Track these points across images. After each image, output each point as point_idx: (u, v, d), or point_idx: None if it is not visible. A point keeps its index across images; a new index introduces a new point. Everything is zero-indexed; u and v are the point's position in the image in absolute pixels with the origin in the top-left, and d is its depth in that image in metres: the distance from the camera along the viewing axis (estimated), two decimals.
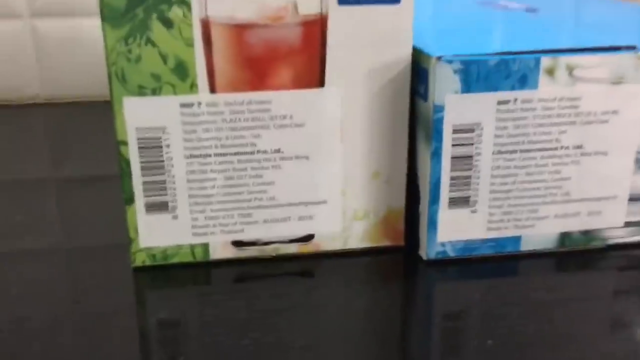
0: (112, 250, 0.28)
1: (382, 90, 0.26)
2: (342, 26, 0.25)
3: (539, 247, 0.28)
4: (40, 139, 0.44)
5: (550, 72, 0.25)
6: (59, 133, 0.45)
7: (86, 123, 0.46)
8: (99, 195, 0.34)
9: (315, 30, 0.25)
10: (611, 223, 0.28)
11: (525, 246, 0.28)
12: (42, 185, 0.36)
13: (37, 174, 0.38)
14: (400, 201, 0.28)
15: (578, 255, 0.28)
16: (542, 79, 0.25)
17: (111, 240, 0.29)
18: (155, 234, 0.26)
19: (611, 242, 0.28)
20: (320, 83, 0.25)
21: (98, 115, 0.48)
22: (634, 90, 0.26)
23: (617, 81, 0.25)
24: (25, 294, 0.25)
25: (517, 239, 0.27)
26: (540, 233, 0.27)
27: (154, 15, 0.23)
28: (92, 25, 0.48)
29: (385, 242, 0.28)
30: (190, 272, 0.27)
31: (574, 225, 0.28)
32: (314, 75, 0.25)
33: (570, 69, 0.25)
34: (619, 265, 0.27)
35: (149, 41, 0.24)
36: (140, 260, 0.27)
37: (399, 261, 0.28)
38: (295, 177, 0.26)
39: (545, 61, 0.25)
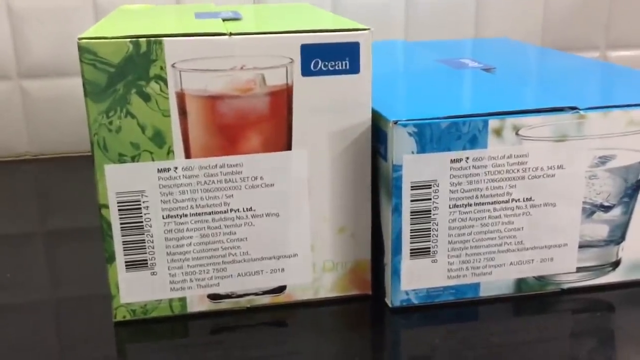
0: (95, 304, 0.30)
1: (345, 151, 0.28)
2: (306, 95, 0.27)
3: (497, 293, 0.30)
4: (29, 193, 0.46)
5: (498, 132, 0.27)
6: (47, 187, 0.47)
7: (73, 177, 0.48)
8: (83, 249, 0.36)
9: (282, 99, 0.27)
10: (563, 269, 0.30)
11: (484, 292, 0.29)
12: (28, 240, 0.37)
13: (23, 228, 0.39)
14: (366, 253, 0.30)
15: (534, 299, 0.30)
16: (491, 139, 0.27)
17: (94, 294, 0.31)
18: (135, 290, 0.28)
19: (565, 286, 0.30)
20: (288, 146, 0.27)
21: (85, 169, 0.49)
22: (577, 147, 0.28)
23: (561, 139, 0.28)
24: (7, 348, 0.27)
25: (476, 286, 0.29)
26: (497, 279, 0.29)
27: (133, 90, 0.26)
28: (78, 85, 0.51)
29: (353, 292, 0.30)
30: (169, 325, 0.28)
31: (529, 272, 0.29)
32: (281, 139, 0.27)
33: (516, 129, 0.27)
34: (573, 309, 0.29)
35: (129, 113, 0.26)
36: (121, 315, 0.28)
37: (366, 309, 0.30)
38: (267, 233, 0.28)
39: (493, 123, 0.27)
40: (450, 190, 0.28)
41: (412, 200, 0.27)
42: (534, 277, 0.30)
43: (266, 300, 0.29)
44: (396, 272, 0.28)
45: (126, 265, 0.28)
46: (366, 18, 0.53)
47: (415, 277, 0.29)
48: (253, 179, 0.27)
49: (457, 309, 0.29)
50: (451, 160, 0.27)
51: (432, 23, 0.55)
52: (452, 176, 0.27)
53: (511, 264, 0.29)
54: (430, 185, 0.27)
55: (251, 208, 0.28)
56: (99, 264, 0.33)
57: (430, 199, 0.28)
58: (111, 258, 0.27)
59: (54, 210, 0.42)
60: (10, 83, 0.50)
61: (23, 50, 0.50)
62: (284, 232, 0.28)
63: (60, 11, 0.49)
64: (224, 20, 0.30)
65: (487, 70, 0.36)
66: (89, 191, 0.44)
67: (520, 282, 0.30)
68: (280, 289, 0.29)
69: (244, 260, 0.28)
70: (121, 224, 0.27)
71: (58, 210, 0.42)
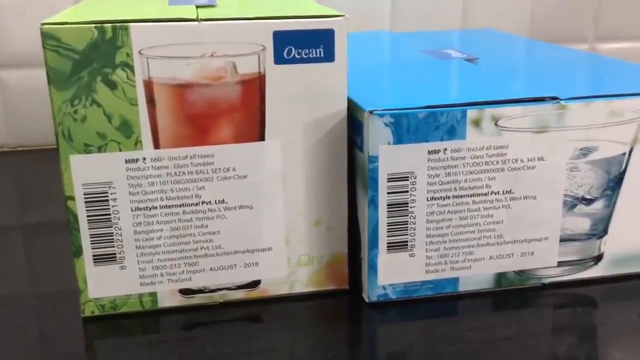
0: (64, 299, 0.29)
1: (320, 142, 0.27)
2: (279, 83, 0.26)
3: (476, 288, 0.29)
4: (8, 185, 0.45)
5: (477, 123, 0.26)
6: (24, 180, 0.46)
7: (51, 170, 0.47)
8: (59, 243, 0.35)
9: (254, 88, 0.26)
10: (544, 263, 0.29)
11: (463, 287, 0.29)
12: (3, 233, 0.37)
13: (1, 221, 0.38)
14: (342, 247, 0.29)
15: (514, 294, 0.29)
16: (470, 129, 0.26)
17: (65, 289, 0.30)
18: (103, 284, 0.27)
19: (546, 281, 0.30)
20: (261, 137, 0.27)
21: None
22: (558, 138, 0.27)
23: (541, 130, 0.27)
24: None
25: (454, 280, 0.29)
26: (476, 274, 0.29)
27: (99, 78, 0.25)
28: None
29: (329, 286, 0.29)
30: (139, 321, 0.28)
31: (509, 266, 0.29)
32: (254, 129, 0.27)
33: (495, 120, 0.27)
34: (554, 303, 0.29)
35: (94, 102, 0.25)
36: (89, 310, 0.27)
37: (343, 304, 0.29)
38: (240, 226, 0.27)
39: (472, 113, 0.26)
40: (427, 182, 0.27)
41: (388, 193, 0.27)
42: (514, 271, 0.29)
43: (240, 295, 0.29)
44: (373, 267, 0.28)
45: (94, 259, 0.27)
46: (352, 8, 0.52)
47: (393, 272, 0.28)
48: (225, 170, 0.27)
49: (436, 304, 0.29)
50: (429, 151, 0.26)
51: (419, 14, 0.54)
52: (429, 168, 0.27)
53: (491, 258, 0.28)
54: (407, 177, 0.27)
55: (223, 200, 0.27)
56: (66, 258, 0.33)
57: (407, 191, 0.27)
58: (78, 252, 0.27)
59: (31, 203, 0.41)
60: None
61: (2, 39, 0.49)
62: (257, 225, 0.28)
63: (41, 0, 0.48)
64: (197, 7, 0.29)
65: (470, 60, 0.35)
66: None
67: (500, 277, 0.29)
68: (255, 284, 0.29)
69: (217, 254, 0.28)
70: (88, 216, 0.26)
71: (35, 203, 0.41)
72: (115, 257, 0.27)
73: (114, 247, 0.27)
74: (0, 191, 0.43)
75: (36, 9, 0.48)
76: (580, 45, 0.58)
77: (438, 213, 0.27)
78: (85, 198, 0.26)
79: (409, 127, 0.26)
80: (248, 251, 0.28)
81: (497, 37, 0.45)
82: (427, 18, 0.54)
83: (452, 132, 0.26)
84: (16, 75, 0.50)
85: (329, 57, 0.26)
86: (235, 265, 0.28)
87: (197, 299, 0.28)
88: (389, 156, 0.26)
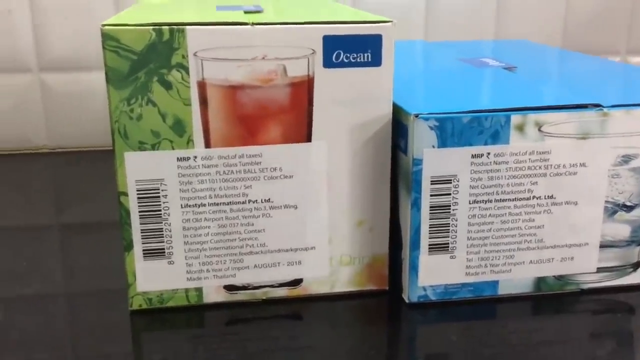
0: (110, 295, 0.30)
1: (365, 144, 0.28)
2: (327, 86, 0.27)
3: (516, 291, 0.29)
4: (46, 186, 0.46)
5: (520, 128, 0.27)
6: (63, 181, 0.47)
7: (89, 171, 0.48)
8: (99, 242, 0.36)
9: (303, 90, 0.27)
10: (584, 269, 0.29)
11: (503, 290, 0.29)
12: (46, 232, 0.38)
13: (39, 220, 0.39)
14: (383, 248, 0.29)
15: (553, 299, 0.29)
16: (513, 134, 0.27)
17: (110, 286, 0.31)
18: (151, 279, 0.28)
19: (585, 286, 0.30)
20: (308, 138, 0.27)
21: (101, 163, 0.50)
22: (599, 145, 0.28)
23: (584, 136, 0.27)
24: (23, 338, 0.27)
25: (494, 284, 0.29)
26: (516, 278, 0.29)
27: (155, 78, 0.26)
28: (98, 79, 0.51)
29: (370, 286, 0.30)
30: (185, 315, 0.28)
31: (549, 271, 0.29)
32: (301, 131, 0.27)
33: (539, 125, 0.27)
34: (592, 309, 0.29)
35: (150, 101, 0.26)
36: (137, 303, 0.28)
37: (383, 304, 0.30)
38: (285, 225, 0.28)
39: (516, 118, 0.27)
40: (470, 185, 0.27)
41: (431, 195, 0.27)
42: (553, 276, 0.29)
43: (282, 292, 0.29)
44: (414, 268, 0.28)
45: (144, 254, 0.27)
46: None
47: (433, 273, 0.28)
48: (272, 169, 0.27)
49: (475, 307, 0.29)
50: (472, 155, 0.27)
51: (452, 24, 0.55)
52: (472, 171, 0.27)
53: (531, 262, 0.29)
54: (450, 180, 0.27)
55: (269, 199, 0.28)
56: (114, 256, 0.33)
57: (450, 194, 0.27)
58: (129, 246, 0.27)
59: (71, 203, 0.42)
60: (30, 76, 0.50)
61: (44, 43, 0.50)
62: (301, 225, 0.28)
63: (82, 4, 0.50)
64: (245, 12, 0.30)
65: (508, 69, 0.36)
66: (105, 185, 0.44)
67: (539, 281, 0.29)
68: (297, 282, 0.29)
69: (261, 252, 0.28)
70: (140, 212, 0.27)
71: (74, 203, 0.42)
72: (164, 252, 0.28)
73: (163, 242, 0.27)
74: (39, 192, 0.45)
75: (78, 13, 0.50)
76: (613, 58, 0.59)
77: (480, 216, 0.28)
78: (137, 194, 0.27)
79: (453, 131, 0.27)
80: (291, 250, 0.29)
81: (532, 48, 0.45)
82: (461, 29, 0.55)
83: (496, 136, 0.27)
84: (57, 78, 0.51)
85: (376, 61, 0.27)
86: (278, 263, 0.29)
87: (240, 296, 0.29)
88: (432, 159, 0.27)
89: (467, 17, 0.55)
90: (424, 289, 0.29)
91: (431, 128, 0.26)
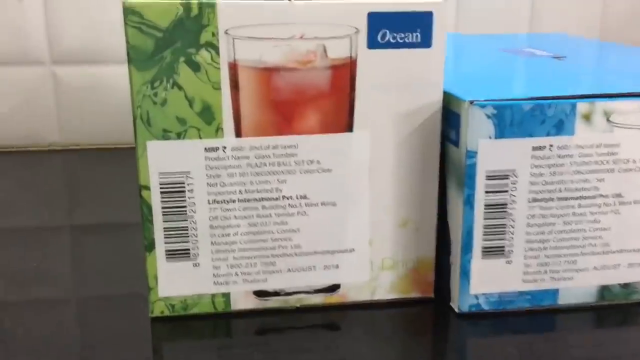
0: (128, 300, 0.27)
1: (411, 134, 0.25)
2: (371, 69, 0.24)
3: (577, 301, 0.26)
4: (57, 185, 0.44)
5: (587, 117, 0.24)
6: (76, 179, 0.45)
7: (104, 170, 0.46)
8: (115, 243, 0.33)
9: (344, 74, 0.24)
10: None
11: (563, 300, 0.26)
12: (58, 233, 0.35)
13: (53, 221, 0.37)
14: (430, 250, 0.27)
15: (618, 309, 0.27)
16: (579, 124, 0.24)
17: (128, 290, 0.28)
18: (175, 282, 0.25)
19: None
20: (349, 127, 0.25)
21: (116, 162, 0.47)
22: None
23: None
24: (36, 344, 0.24)
25: (554, 292, 0.26)
26: (578, 286, 0.26)
27: (182, 59, 0.23)
28: (113, 73, 0.49)
29: (414, 294, 0.27)
30: (210, 324, 0.26)
31: (614, 278, 0.26)
32: (342, 119, 0.25)
33: (607, 115, 0.24)
34: None
35: (176, 84, 0.23)
36: (158, 310, 0.26)
37: (429, 314, 0.27)
38: (322, 224, 0.25)
39: (582, 106, 0.24)
40: (530, 182, 0.24)
41: (486, 192, 0.24)
42: (619, 284, 0.26)
43: (317, 299, 0.26)
44: (465, 273, 0.25)
45: (167, 255, 0.25)
46: None
47: (487, 280, 0.25)
48: (309, 162, 0.25)
49: (532, 318, 0.26)
50: (533, 147, 0.24)
51: (484, 19, 0.52)
52: (533, 166, 0.24)
53: (595, 268, 0.26)
54: (508, 175, 0.24)
55: (305, 195, 0.25)
56: (132, 259, 0.31)
57: (507, 191, 0.24)
58: (150, 246, 0.25)
59: (84, 203, 0.40)
60: (42, 69, 0.48)
61: (57, 34, 0.48)
62: (340, 224, 0.26)
63: None
64: None
65: (557, 58, 0.33)
66: (121, 185, 0.42)
67: (603, 290, 0.26)
68: (334, 288, 0.26)
69: (295, 254, 0.26)
70: (163, 208, 0.24)
71: (87, 203, 0.39)
72: (189, 253, 0.25)
73: (188, 242, 0.25)
74: (50, 190, 0.42)
75: (93, 3, 0.47)
76: None
77: (540, 216, 0.25)
78: (161, 188, 0.24)
79: (512, 119, 0.24)
80: (328, 252, 0.26)
81: (573, 40, 0.42)
82: (493, 23, 0.52)
83: (560, 126, 0.24)
84: (70, 71, 0.49)
85: (426, 42, 0.24)
86: (314, 266, 0.26)
87: (272, 302, 0.26)
88: (489, 152, 0.24)
89: (501, 10, 0.52)
90: (476, 297, 0.26)
91: (488, 117, 0.24)
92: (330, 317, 0.26)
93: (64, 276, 0.30)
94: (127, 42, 0.23)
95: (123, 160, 0.47)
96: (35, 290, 0.28)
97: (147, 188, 0.24)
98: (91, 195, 0.41)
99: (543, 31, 0.53)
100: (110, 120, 0.49)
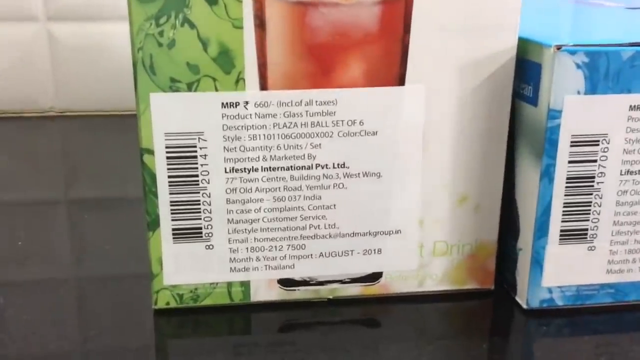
0: (128, 288, 0.23)
1: (477, 90, 0.20)
2: (431, 8, 0.19)
3: None
4: (53, 155, 0.39)
5: None
6: (73, 149, 0.40)
7: (103, 139, 0.42)
8: (114, 220, 0.29)
9: (397, 12, 0.19)
10: None
11: None
12: (53, 207, 0.31)
13: (48, 194, 0.33)
14: (492, 233, 0.22)
15: None
16: None
17: (128, 276, 0.24)
18: (183, 268, 0.21)
19: None
20: (400, 80, 0.20)
21: (116, 130, 0.43)
22: None
23: None
24: (22, 340, 0.20)
25: None
26: None
27: None
28: (114, 32, 0.44)
29: (471, 285, 0.22)
30: (226, 318, 0.21)
31: None
32: (392, 69, 0.20)
33: None
34: None
35: (187, 21, 0.19)
36: (163, 301, 0.21)
37: (488, 309, 0.22)
38: (363, 199, 0.21)
39: None
40: (624, 149, 0.20)
41: (570, 162, 0.20)
42: None
43: (355, 290, 0.22)
44: (537, 262, 0.21)
45: (174, 235, 0.20)
46: None
47: (564, 270, 0.21)
48: (350, 123, 0.20)
49: (615, 315, 0.22)
50: (630, 106, 0.19)
51: None
52: (629, 129, 0.20)
53: None
54: (598, 141, 0.20)
55: (344, 164, 0.20)
56: (133, 239, 0.26)
57: (595, 161, 0.20)
58: (154, 223, 0.20)
59: (81, 175, 0.35)
60: (36, 25, 0.43)
61: None
62: (385, 200, 0.21)
63: None
64: None
65: (634, 9, 0.28)
66: (122, 156, 0.37)
67: None
68: (375, 277, 0.22)
69: (330, 236, 0.21)
70: (170, 177, 0.20)
71: (86, 175, 0.35)
72: (201, 232, 0.20)
73: (200, 219, 0.20)
74: (45, 161, 0.38)
75: None
76: None
77: (632, 193, 0.20)
78: (167, 152, 0.20)
79: (607, 71, 0.19)
80: (370, 234, 0.21)
81: None
82: None
83: None
84: (67, 29, 0.44)
85: None
86: (352, 251, 0.21)
87: (299, 293, 0.22)
88: (577, 111, 0.19)
89: None
90: (550, 290, 0.21)
91: (578, 66, 0.19)
92: (369, 311, 0.22)
93: (56, 258, 0.25)
94: None
95: (125, 128, 0.43)
96: (24, 273, 0.24)
97: (151, 152, 0.20)
98: (90, 166, 0.36)
99: None
100: (112, 85, 0.45)
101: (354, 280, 0.22)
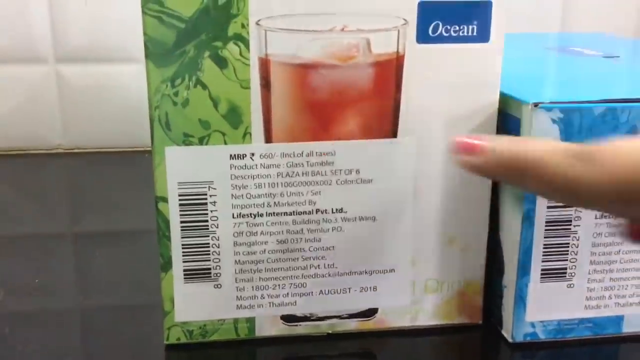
0: (141, 325, 0.24)
1: None
2: (421, 67, 0.21)
3: None
4: (61, 190, 0.41)
5: None
6: (80, 185, 0.42)
7: (111, 175, 0.43)
8: (120, 254, 0.31)
9: (390, 72, 0.21)
10: None
11: (628, 327, 0.23)
12: (60, 242, 0.32)
13: (55, 228, 0.34)
14: (479, 272, 0.24)
15: None
16: None
17: (140, 313, 0.25)
18: (193, 306, 0.22)
19: None
20: (393, 133, 0.22)
21: (122, 166, 0.44)
22: None
23: None
24: None
25: (618, 319, 0.23)
26: None
27: (206, 53, 0.20)
28: (120, 72, 0.46)
29: (460, 320, 0.24)
30: (233, 352, 0.23)
31: None
32: (385, 123, 0.22)
33: None
34: None
35: (199, 82, 0.20)
36: (174, 336, 0.23)
37: (476, 343, 0.24)
38: (359, 241, 0.23)
39: None
40: None
41: (549, 207, 0.22)
42: None
43: (352, 325, 0.24)
44: (521, 298, 0.22)
45: (185, 275, 0.22)
46: None
47: (546, 305, 0.23)
48: (347, 172, 0.22)
49: (594, 348, 0.23)
50: None
51: (515, 15, 0.49)
52: None
53: None
54: None
55: (342, 209, 0.22)
56: (143, 274, 0.28)
57: (571, 206, 0.22)
58: (167, 265, 0.22)
59: (88, 211, 0.37)
60: (46, 67, 0.45)
61: (63, 31, 0.45)
62: (380, 241, 0.23)
63: None
64: None
65: (610, 57, 0.30)
66: (126, 191, 0.39)
67: None
68: (371, 313, 0.24)
69: (329, 275, 0.23)
70: (182, 222, 0.21)
71: (92, 211, 0.37)
72: (210, 273, 0.22)
73: (209, 260, 0.22)
74: (53, 196, 0.39)
75: (98, 0, 0.45)
76: None
77: (607, 234, 0.22)
78: (180, 200, 0.21)
79: (581, 125, 0.21)
80: (366, 272, 0.23)
81: (616, 40, 0.39)
82: (523, 22, 0.49)
83: (633, 134, 0.21)
84: (76, 70, 0.46)
85: (484, 36, 0.21)
86: (349, 289, 0.23)
87: (301, 328, 0.23)
88: None
89: (531, 8, 0.49)
90: (533, 325, 0.23)
91: (554, 121, 0.21)
92: (365, 345, 0.23)
93: (64, 293, 0.27)
94: (145, 33, 0.20)
95: (130, 164, 0.44)
96: (34, 306, 0.25)
97: (165, 200, 0.21)
98: (96, 202, 0.38)
99: (577, 31, 0.51)
100: (118, 123, 0.46)
101: (352, 316, 0.24)
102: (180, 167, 0.21)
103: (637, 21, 0.51)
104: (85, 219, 0.36)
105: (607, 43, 0.37)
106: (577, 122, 0.21)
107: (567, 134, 0.21)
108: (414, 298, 0.24)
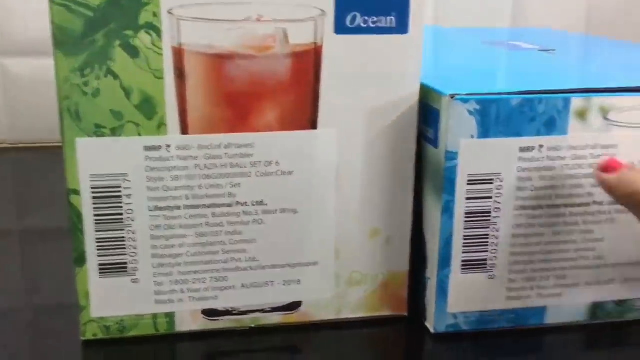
0: (58, 320, 0.24)
1: (384, 133, 0.22)
2: (339, 58, 0.21)
3: (567, 320, 0.24)
4: (4, 186, 0.40)
5: (582, 115, 0.21)
6: (25, 181, 0.41)
7: (55, 170, 0.42)
8: (59, 250, 0.30)
9: (308, 63, 0.21)
10: None
11: (551, 319, 0.23)
12: (3, 238, 0.32)
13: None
14: (403, 264, 0.24)
15: (612, 329, 0.24)
16: (573, 123, 0.21)
17: (59, 308, 0.25)
18: (110, 301, 0.22)
19: None
20: (312, 124, 0.22)
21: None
22: None
23: None
24: None
25: (541, 310, 0.23)
26: (568, 303, 0.23)
27: (117, 42, 0.20)
28: None
29: (385, 312, 0.24)
30: (151, 348, 0.22)
31: (608, 295, 0.23)
32: (305, 114, 0.21)
33: (604, 112, 0.21)
34: None
35: (110, 72, 0.20)
36: (91, 332, 0.22)
37: (401, 334, 0.24)
38: (281, 234, 0.22)
39: (576, 102, 0.21)
40: (517, 187, 0.22)
41: (467, 199, 0.22)
42: (613, 301, 0.24)
43: (276, 319, 0.23)
44: (443, 290, 0.22)
45: (100, 270, 0.22)
46: None
47: (467, 297, 0.23)
48: (266, 164, 0.22)
49: (517, 339, 0.23)
50: (520, 148, 0.21)
51: (465, 10, 0.49)
52: (520, 169, 0.21)
53: (587, 284, 0.23)
54: (492, 179, 0.22)
55: (262, 201, 0.22)
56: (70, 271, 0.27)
57: (491, 197, 0.22)
58: (81, 259, 0.21)
59: (31, 205, 0.36)
60: None
61: (7, 24, 0.44)
62: (301, 234, 0.22)
63: None
64: None
65: (545, 51, 0.30)
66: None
67: (595, 308, 0.24)
68: (294, 306, 0.23)
69: (250, 268, 0.23)
70: (95, 215, 0.21)
71: (35, 205, 0.36)
72: (127, 267, 0.22)
73: (125, 254, 0.22)
74: None
75: None
76: None
77: (527, 226, 0.22)
78: (93, 193, 0.21)
79: (498, 116, 0.21)
80: (288, 265, 0.23)
81: (559, 34, 0.40)
82: (474, 16, 0.49)
83: (551, 125, 0.21)
84: (20, 64, 0.45)
85: (402, 27, 0.21)
86: (272, 282, 0.23)
87: (223, 323, 0.23)
88: (471, 153, 0.21)
89: (481, 4, 0.50)
90: (455, 316, 0.23)
91: (470, 113, 0.21)
92: (289, 339, 0.23)
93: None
94: (53, 22, 0.19)
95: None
96: None
97: (77, 192, 0.21)
98: (41, 197, 0.37)
99: (527, 26, 0.51)
100: None
101: (275, 310, 0.23)
102: (92, 159, 0.21)
103: (587, 17, 0.52)
104: (29, 213, 0.35)
105: (550, 38, 0.37)
106: (494, 114, 0.21)
107: (485, 125, 0.21)
108: (337, 291, 0.23)
